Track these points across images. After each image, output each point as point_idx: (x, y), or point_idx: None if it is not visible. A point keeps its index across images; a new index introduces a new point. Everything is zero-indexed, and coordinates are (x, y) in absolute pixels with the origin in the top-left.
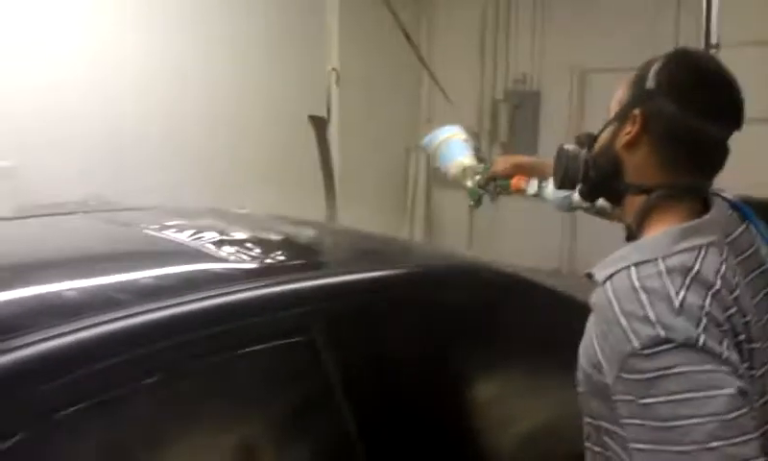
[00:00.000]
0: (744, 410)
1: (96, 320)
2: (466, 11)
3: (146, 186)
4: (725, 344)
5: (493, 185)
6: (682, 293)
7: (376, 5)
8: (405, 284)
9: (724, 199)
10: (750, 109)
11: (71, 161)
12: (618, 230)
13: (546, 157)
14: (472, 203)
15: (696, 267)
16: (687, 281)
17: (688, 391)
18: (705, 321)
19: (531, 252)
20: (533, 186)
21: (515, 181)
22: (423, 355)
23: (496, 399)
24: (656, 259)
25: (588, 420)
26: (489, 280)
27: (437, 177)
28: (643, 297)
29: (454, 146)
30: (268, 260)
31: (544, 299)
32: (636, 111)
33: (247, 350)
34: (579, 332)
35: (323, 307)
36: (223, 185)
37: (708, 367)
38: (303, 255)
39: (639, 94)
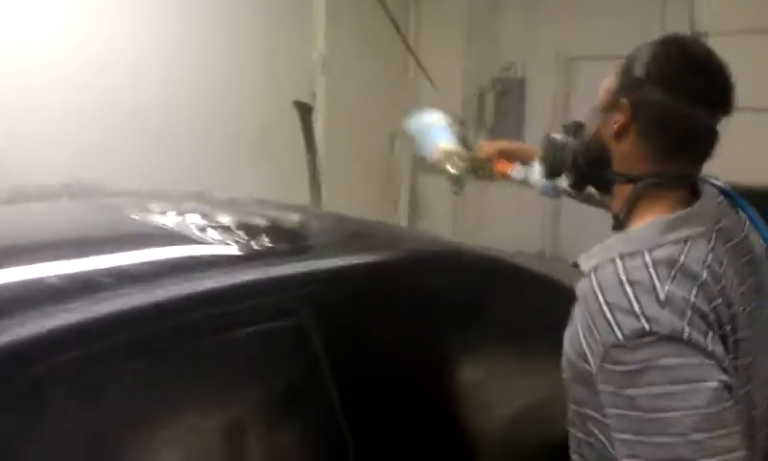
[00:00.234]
0: (727, 404)
1: (82, 303)
2: None
3: (132, 169)
4: (710, 336)
5: (476, 170)
6: (667, 285)
7: None
8: (391, 269)
9: (713, 185)
10: (738, 99)
11: (60, 143)
12: (601, 214)
13: (531, 143)
14: (455, 188)
15: (682, 259)
16: (673, 273)
17: (672, 383)
18: (690, 313)
19: (515, 236)
20: (518, 171)
21: (498, 166)
22: (410, 340)
23: (483, 382)
24: (642, 251)
25: (573, 406)
26: (474, 265)
27: (422, 163)
28: (628, 289)
29: (437, 131)
30: (254, 245)
31: (529, 283)
32: (625, 100)
33: (233, 334)
34: (564, 316)
35: (309, 292)
36: (208, 169)
37: (692, 360)
38: (289, 240)
39: (628, 82)
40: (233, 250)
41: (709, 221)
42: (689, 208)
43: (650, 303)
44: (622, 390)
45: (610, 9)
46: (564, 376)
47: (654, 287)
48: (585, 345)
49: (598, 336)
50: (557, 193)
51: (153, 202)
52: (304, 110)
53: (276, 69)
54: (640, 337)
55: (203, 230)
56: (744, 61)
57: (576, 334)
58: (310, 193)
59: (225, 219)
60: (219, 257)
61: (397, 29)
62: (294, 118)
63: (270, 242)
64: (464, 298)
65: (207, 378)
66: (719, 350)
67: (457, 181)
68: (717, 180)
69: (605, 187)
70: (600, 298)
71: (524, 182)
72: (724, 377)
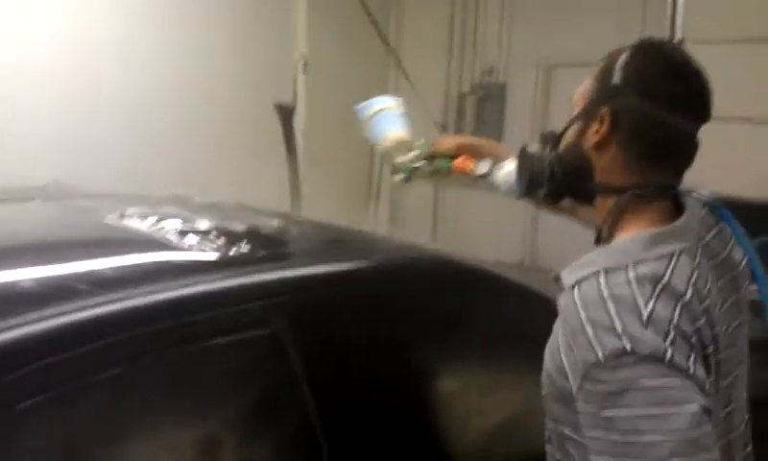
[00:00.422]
0: (707, 428)
1: (55, 310)
2: (434, 3)
3: (113, 170)
4: (692, 359)
5: (431, 164)
6: (651, 304)
7: None
8: (369, 277)
9: (698, 198)
10: (717, 108)
11: (41, 143)
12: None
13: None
14: (401, 178)
15: (666, 276)
16: (657, 291)
17: (652, 405)
18: (673, 334)
19: (494, 245)
20: (483, 166)
21: (459, 162)
22: (387, 349)
23: (460, 392)
24: (626, 266)
25: (551, 424)
26: (453, 273)
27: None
28: (611, 306)
29: (389, 118)
30: (232, 251)
31: (508, 292)
32: (604, 109)
33: (209, 342)
34: (543, 327)
35: (287, 300)
36: (190, 170)
37: (673, 382)
38: (268, 247)
39: (606, 90)
40: (210, 256)
41: (694, 236)
42: (674, 223)
43: (632, 321)
44: (601, 411)
45: (590, 16)
46: (544, 391)
47: (637, 305)
48: (565, 362)
49: (578, 354)
50: (521, 197)
51: (129, 205)
52: (285, 114)
53: (258, 70)
54: (621, 356)
55: (180, 235)
56: (723, 71)
57: (557, 350)
58: (290, 195)
59: (202, 224)
60: (195, 264)
61: (379, 32)
62: (275, 119)
63: (247, 249)
64: (442, 307)
65: (182, 386)
66: (701, 372)
67: (405, 172)
68: (700, 191)
69: (585, 198)
70: (581, 314)
71: (486, 182)
72: (704, 401)
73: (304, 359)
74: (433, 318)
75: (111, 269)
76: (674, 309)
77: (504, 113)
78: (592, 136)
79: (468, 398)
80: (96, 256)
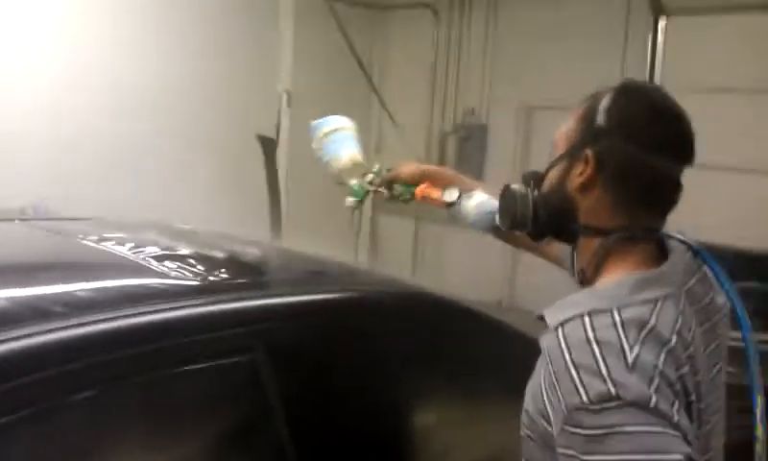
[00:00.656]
0: None
1: (27, 331)
2: (418, 42)
3: (95, 196)
4: (675, 406)
5: (389, 189)
6: (636, 349)
7: (331, 31)
8: (349, 308)
9: (682, 242)
10: (697, 155)
11: (22, 165)
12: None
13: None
14: (352, 202)
15: (652, 321)
16: (642, 336)
17: (635, 452)
18: (657, 380)
19: (473, 283)
20: (451, 194)
21: (421, 189)
22: (365, 380)
23: (436, 426)
24: (611, 310)
25: None
26: (432, 308)
27: (382, 204)
28: (596, 349)
29: (345, 139)
30: (210, 278)
31: (486, 328)
32: (589, 152)
33: (185, 368)
34: (521, 364)
35: (265, 328)
36: (172, 199)
37: (656, 429)
38: (247, 274)
39: (590, 132)
40: (189, 281)
41: (679, 281)
42: (661, 268)
43: (618, 366)
44: (582, 455)
45: (570, 61)
46: (522, 432)
47: (622, 349)
48: (547, 403)
49: (562, 396)
50: (488, 228)
51: (109, 229)
52: (267, 144)
53: (242, 102)
54: (606, 401)
55: (159, 259)
56: (701, 119)
57: (538, 391)
58: (271, 226)
59: (182, 250)
60: (174, 288)
61: (363, 68)
62: (257, 153)
63: (227, 276)
64: (421, 340)
65: (156, 411)
66: (685, 421)
67: (358, 196)
68: (683, 235)
69: (567, 239)
70: (566, 355)
71: (452, 210)
72: (687, 450)
73: (281, 388)
74: (411, 351)
75: (89, 291)
76: (659, 355)
77: (485, 153)
78: (577, 178)
79: (444, 432)
80: (74, 279)
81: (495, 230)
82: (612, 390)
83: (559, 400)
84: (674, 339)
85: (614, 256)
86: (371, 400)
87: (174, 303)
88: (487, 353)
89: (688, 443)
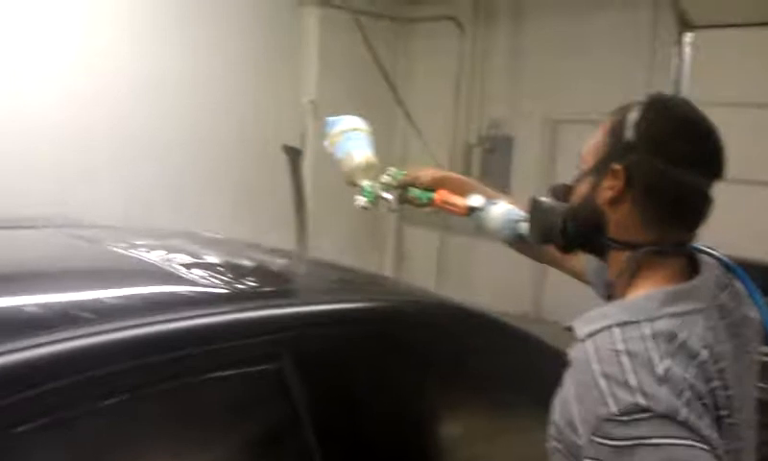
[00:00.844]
0: None
1: (56, 337)
2: (443, 55)
3: (116, 208)
4: (705, 420)
5: (402, 192)
6: (666, 361)
7: (356, 43)
8: (376, 317)
9: (713, 257)
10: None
11: (37, 176)
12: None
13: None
14: (363, 202)
15: (682, 335)
16: (673, 350)
17: None
18: (688, 393)
19: (499, 295)
20: (477, 200)
21: (441, 194)
22: (391, 389)
23: (462, 438)
24: (642, 322)
25: None
26: (458, 318)
27: (407, 215)
28: (625, 361)
29: (360, 139)
30: (238, 286)
31: (514, 339)
32: (618, 166)
33: (212, 375)
34: (549, 376)
35: (291, 336)
36: (198, 211)
37: (685, 442)
38: (275, 283)
39: (619, 146)
40: (218, 289)
41: (710, 296)
42: (692, 282)
43: (647, 377)
44: None
45: (596, 75)
46: (549, 445)
47: (651, 361)
48: (575, 413)
49: (590, 406)
50: (513, 240)
51: (139, 237)
52: (294, 154)
53: (268, 112)
54: (634, 413)
55: (188, 267)
56: (728, 134)
57: (567, 402)
58: (296, 237)
59: (211, 258)
60: (202, 296)
61: (387, 80)
62: (283, 162)
63: (255, 284)
64: (446, 350)
65: (183, 417)
66: (714, 435)
67: (369, 197)
68: (715, 250)
69: (595, 252)
70: (595, 367)
71: (473, 217)
72: None
73: (307, 396)
74: (437, 361)
75: (118, 298)
76: (689, 368)
77: (510, 165)
78: (606, 191)
79: (470, 443)
80: (103, 286)
81: (518, 242)
82: (642, 402)
83: (587, 410)
84: (704, 353)
85: (644, 270)
86: (396, 410)
87: (202, 310)
88: (513, 364)
89: (717, 457)
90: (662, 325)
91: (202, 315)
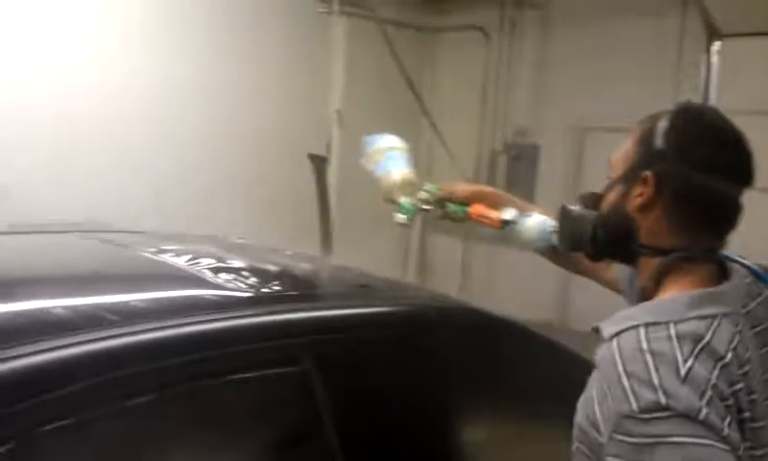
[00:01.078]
0: None
1: (79, 338)
2: (469, 64)
3: (143, 216)
4: (727, 420)
5: (440, 208)
6: (690, 361)
7: (382, 52)
8: (399, 322)
9: (743, 265)
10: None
11: (68, 182)
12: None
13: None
14: (402, 219)
15: (708, 337)
16: (697, 351)
17: None
18: (710, 393)
19: (523, 303)
20: (510, 212)
21: (476, 209)
22: (414, 394)
23: (485, 443)
24: (667, 323)
25: None
26: (483, 324)
27: (432, 223)
28: (649, 359)
29: (397, 157)
30: (263, 290)
31: (538, 346)
32: (647, 173)
33: (236, 377)
34: (573, 383)
35: (314, 340)
36: (223, 219)
37: (705, 441)
38: (298, 287)
39: (649, 154)
40: (243, 293)
41: (738, 302)
42: (719, 287)
43: (670, 376)
44: None
45: (624, 83)
46: (573, 447)
47: (675, 361)
48: (598, 411)
49: (613, 404)
50: (545, 249)
51: (166, 242)
52: (319, 162)
53: (293, 122)
54: (655, 411)
55: (213, 271)
56: (755, 142)
57: (591, 400)
58: (321, 245)
59: (237, 263)
60: (228, 299)
61: (413, 90)
62: (308, 171)
63: (279, 288)
64: (469, 356)
65: (207, 418)
66: (735, 436)
67: (408, 213)
68: (745, 259)
69: (625, 259)
70: (619, 365)
71: (507, 230)
72: None
73: (330, 398)
74: (459, 366)
75: (145, 301)
76: (713, 370)
77: (536, 173)
78: (636, 198)
79: (492, 449)
80: (131, 289)
81: (552, 253)
82: (663, 400)
83: (610, 407)
84: (729, 355)
85: (674, 275)
86: (418, 414)
87: (227, 313)
88: (537, 371)
89: (738, 458)
90: (688, 326)
91: (226, 318)
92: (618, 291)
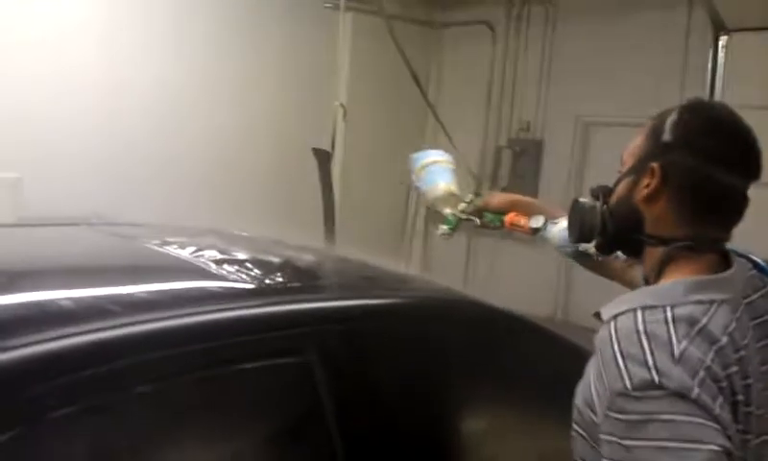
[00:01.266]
0: None
1: (80, 329)
2: (475, 59)
3: (150, 209)
4: (719, 401)
5: (479, 217)
6: (684, 343)
7: (387, 47)
8: (402, 314)
9: (747, 259)
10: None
11: (76, 176)
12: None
13: (545, 200)
14: (446, 230)
15: (704, 321)
16: (692, 333)
17: (672, 440)
18: (702, 374)
19: (525, 296)
20: (537, 221)
21: (511, 217)
22: (416, 385)
23: (486, 433)
24: (664, 306)
25: None
26: (485, 317)
27: (435, 218)
28: (644, 341)
29: (441, 170)
30: (266, 281)
31: (539, 338)
32: (655, 165)
33: (238, 367)
34: (572, 374)
35: (317, 330)
36: (226, 213)
37: (695, 419)
38: (302, 278)
39: (656, 147)
40: (246, 284)
41: (738, 291)
42: (720, 274)
43: (663, 357)
44: (622, 440)
45: (628, 77)
46: (572, 431)
47: (670, 342)
48: (594, 392)
49: (607, 382)
50: (574, 252)
51: (170, 234)
52: (323, 157)
53: (297, 116)
54: (648, 389)
55: (216, 263)
56: (764, 137)
57: (588, 383)
58: (324, 239)
59: (240, 254)
60: (231, 290)
61: (418, 84)
62: (312, 166)
63: (282, 279)
64: (471, 348)
65: (210, 409)
66: (726, 416)
67: (450, 224)
68: (751, 253)
69: (635, 251)
70: (615, 345)
71: (539, 236)
72: (726, 444)
73: (332, 389)
74: (461, 358)
75: (148, 292)
76: (707, 352)
77: (540, 169)
78: (643, 190)
79: (494, 441)
80: (134, 280)
81: (579, 257)
82: (656, 379)
83: (604, 386)
84: (724, 339)
85: (676, 264)
86: (419, 406)
87: (230, 304)
88: (539, 363)
89: (728, 437)
90: (684, 310)
91: (230, 309)
92: None
